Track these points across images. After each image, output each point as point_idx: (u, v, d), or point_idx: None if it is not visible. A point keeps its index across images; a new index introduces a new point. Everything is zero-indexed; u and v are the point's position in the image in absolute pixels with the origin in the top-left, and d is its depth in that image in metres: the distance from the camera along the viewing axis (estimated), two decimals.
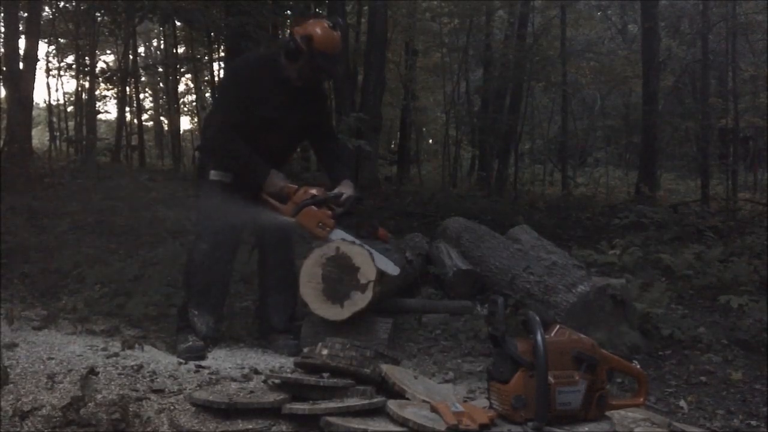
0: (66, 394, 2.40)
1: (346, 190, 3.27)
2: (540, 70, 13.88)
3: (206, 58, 14.41)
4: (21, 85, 9.64)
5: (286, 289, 3.40)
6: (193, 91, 20.55)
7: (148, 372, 2.67)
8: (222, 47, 12.17)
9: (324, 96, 3.54)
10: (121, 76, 14.46)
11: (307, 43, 3.15)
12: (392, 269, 3.29)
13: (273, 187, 3.21)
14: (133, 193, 8.24)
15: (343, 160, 3.62)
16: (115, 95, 18.01)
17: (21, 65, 9.80)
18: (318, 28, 3.19)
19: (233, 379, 2.67)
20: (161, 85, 20.38)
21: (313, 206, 3.17)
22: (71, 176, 9.48)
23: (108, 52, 20.26)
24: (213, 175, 3.28)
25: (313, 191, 3.20)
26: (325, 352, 2.50)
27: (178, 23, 13.44)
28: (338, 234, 3.21)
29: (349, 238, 3.23)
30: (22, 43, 10.31)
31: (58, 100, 22.12)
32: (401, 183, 13.40)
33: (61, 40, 16.65)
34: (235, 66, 3.51)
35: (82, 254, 5.10)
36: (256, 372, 2.79)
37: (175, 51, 17.00)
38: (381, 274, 3.23)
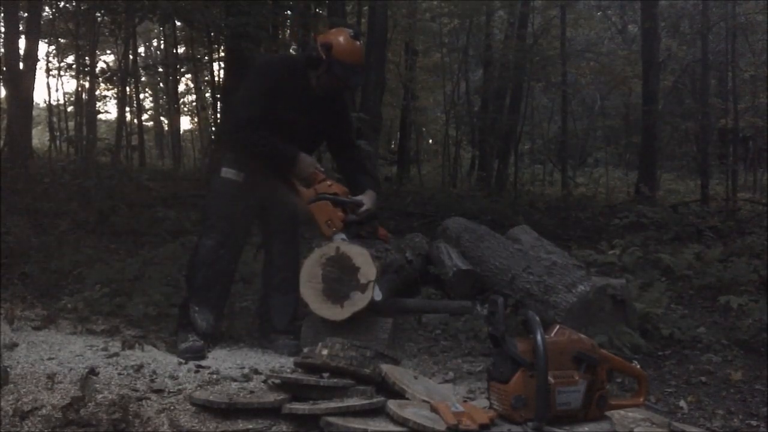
0: (66, 394, 2.40)
1: (367, 202, 3.27)
2: (540, 70, 13.90)
3: (206, 58, 14.43)
4: (21, 85, 9.65)
5: (290, 291, 3.40)
6: (193, 91, 20.58)
7: (148, 372, 2.67)
8: (222, 47, 12.17)
9: (344, 105, 3.53)
10: (121, 76, 14.46)
11: (327, 52, 3.16)
12: (376, 294, 3.25)
13: (304, 170, 3.22)
14: (133, 193, 8.25)
15: (369, 171, 3.61)
16: (115, 95, 18.04)
17: (21, 65, 9.81)
18: (339, 38, 3.20)
19: (233, 379, 2.67)
20: (161, 85, 20.40)
21: (330, 203, 3.17)
22: (71, 176, 9.47)
23: (108, 52, 20.26)
24: (224, 172, 3.29)
25: (336, 188, 3.21)
26: (325, 352, 2.51)
27: (178, 23, 13.45)
28: (339, 237, 3.21)
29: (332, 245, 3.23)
30: (22, 43, 10.33)
31: (58, 100, 22.17)
32: (401, 183, 13.41)
33: (61, 40, 16.66)
34: (262, 63, 3.54)
35: (82, 254, 5.10)
36: (256, 372, 2.79)
37: (175, 51, 17.01)
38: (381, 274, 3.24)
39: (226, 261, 3.30)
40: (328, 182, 3.22)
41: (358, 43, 3.25)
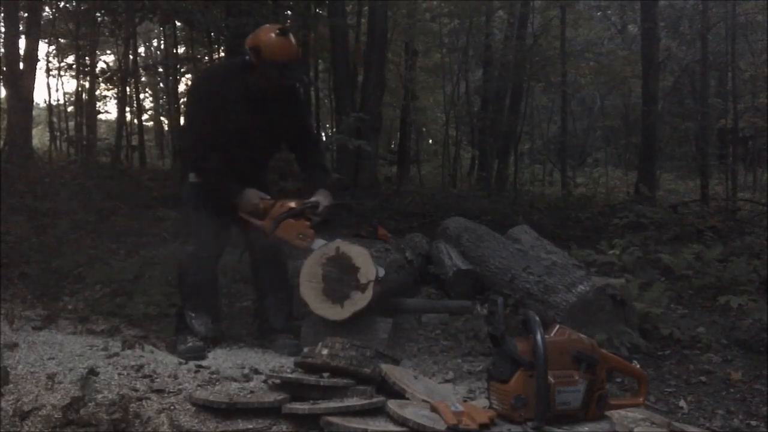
0: (66, 394, 2.40)
1: (321, 199, 3.25)
2: (540, 70, 13.89)
3: (206, 58, 14.41)
4: (21, 85, 9.65)
5: (281, 289, 3.41)
6: None
7: (148, 372, 2.68)
8: (222, 47, 12.18)
9: (298, 101, 3.44)
10: (121, 76, 14.46)
11: (257, 55, 3.09)
12: (379, 271, 3.27)
13: (247, 206, 3.19)
14: (133, 193, 8.25)
15: (323, 166, 3.54)
16: (115, 95, 18.02)
17: (21, 65, 9.81)
18: (267, 37, 3.11)
19: (233, 379, 2.67)
20: (161, 85, 20.40)
21: (290, 219, 3.16)
22: (71, 176, 9.48)
23: (108, 52, 20.26)
24: (192, 177, 3.28)
25: (290, 204, 3.18)
26: (325, 352, 2.51)
27: (178, 23, 13.44)
28: (319, 243, 3.21)
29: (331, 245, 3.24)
30: (22, 43, 10.33)
31: (58, 100, 22.16)
32: (401, 183, 13.41)
33: (62, 40, 16.65)
34: (200, 79, 3.50)
35: (82, 254, 5.09)
36: (256, 372, 2.79)
37: (175, 51, 17.00)
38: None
39: (211, 263, 3.31)
40: (279, 204, 3.19)
41: (286, 39, 3.12)
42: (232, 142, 3.20)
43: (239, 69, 3.20)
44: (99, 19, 12.92)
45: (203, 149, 3.19)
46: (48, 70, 17.29)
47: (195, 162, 3.26)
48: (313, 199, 3.24)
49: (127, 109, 16.77)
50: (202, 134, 3.19)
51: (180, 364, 2.87)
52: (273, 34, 3.11)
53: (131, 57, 16.05)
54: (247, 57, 3.13)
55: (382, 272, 3.25)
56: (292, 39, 3.17)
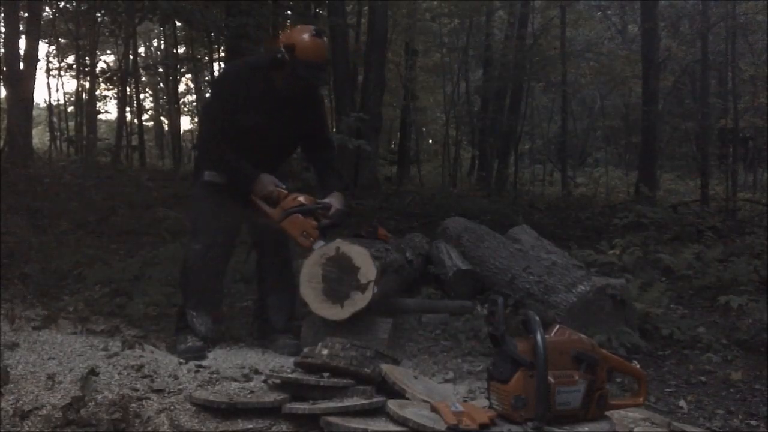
0: (66, 394, 2.40)
1: (335, 202, 3.24)
2: (540, 70, 13.90)
3: (206, 58, 14.43)
4: (21, 85, 9.66)
5: (284, 289, 3.41)
6: (193, 91, 20.59)
7: (148, 372, 2.67)
8: (222, 47, 12.18)
9: (318, 103, 3.45)
10: (122, 76, 14.47)
11: (291, 53, 3.10)
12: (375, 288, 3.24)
13: (263, 190, 3.19)
14: (133, 193, 8.26)
15: (337, 170, 3.53)
16: (115, 95, 18.04)
17: (21, 65, 9.81)
18: (301, 37, 3.13)
19: (233, 379, 2.67)
20: (161, 85, 20.41)
21: (299, 214, 3.15)
22: (71, 176, 9.49)
23: (108, 52, 20.30)
24: (207, 175, 3.27)
25: (302, 199, 3.17)
26: (325, 352, 2.51)
27: (178, 23, 13.45)
28: (319, 244, 3.19)
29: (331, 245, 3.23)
30: (22, 43, 10.34)
31: (58, 100, 22.17)
32: (401, 183, 13.42)
33: (62, 40, 16.68)
34: (224, 73, 3.50)
35: (82, 254, 5.10)
36: (256, 372, 2.79)
37: (175, 51, 17.01)
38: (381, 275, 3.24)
39: (216, 263, 3.29)
40: (292, 196, 3.18)
41: (321, 40, 3.16)
42: (249, 140, 3.19)
43: (267, 66, 3.21)
44: (99, 19, 12.93)
45: (219, 139, 3.18)
46: (48, 70, 17.35)
47: (213, 150, 3.23)
48: (326, 200, 3.24)
49: (127, 109, 16.78)
50: (222, 128, 3.18)
51: (180, 364, 2.86)
52: (308, 34, 3.13)
53: (131, 57, 16.06)
54: (279, 55, 3.14)
55: (376, 290, 3.22)
56: (326, 40, 3.20)
